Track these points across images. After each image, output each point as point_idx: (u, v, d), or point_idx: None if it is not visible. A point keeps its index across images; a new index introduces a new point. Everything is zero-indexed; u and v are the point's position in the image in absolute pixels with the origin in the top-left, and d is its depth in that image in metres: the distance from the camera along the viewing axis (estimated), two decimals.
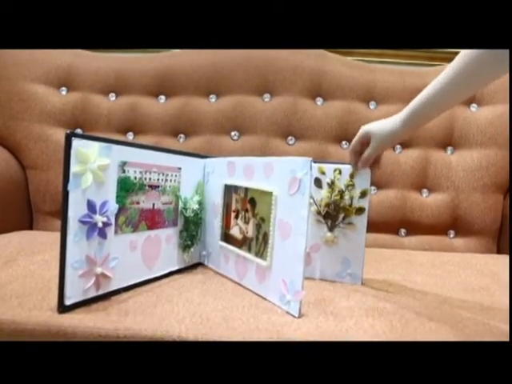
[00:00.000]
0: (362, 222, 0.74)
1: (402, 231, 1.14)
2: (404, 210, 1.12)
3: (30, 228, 1.15)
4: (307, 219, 0.58)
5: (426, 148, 1.14)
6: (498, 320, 0.57)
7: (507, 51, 0.53)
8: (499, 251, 1.11)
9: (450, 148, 1.15)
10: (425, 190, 1.14)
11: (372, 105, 1.17)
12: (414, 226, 1.13)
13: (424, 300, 0.66)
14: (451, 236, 1.13)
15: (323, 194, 0.76)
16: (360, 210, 0.74)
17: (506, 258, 1.01)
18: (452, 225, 1.12)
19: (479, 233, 1.11)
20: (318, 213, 0.77)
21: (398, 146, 1.15)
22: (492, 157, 1.11)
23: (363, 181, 0.74)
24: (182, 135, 1.19)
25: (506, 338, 0.52)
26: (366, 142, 0.72)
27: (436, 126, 1.14)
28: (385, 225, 1.12)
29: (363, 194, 0.74)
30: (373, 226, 1.10)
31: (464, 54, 0.58)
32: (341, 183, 0.75)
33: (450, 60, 1.37)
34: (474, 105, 1.15)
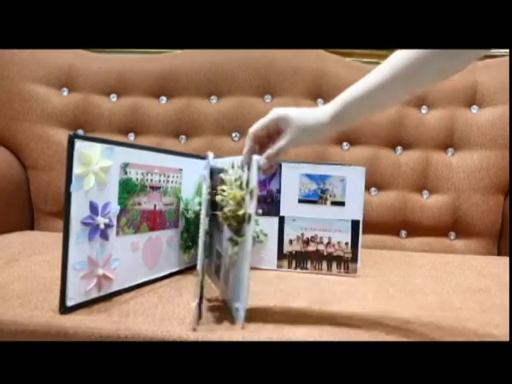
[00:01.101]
0: (249, 233, 0.53)
1: (403, 233, 1.14)
2: (404, 211, 1.12)
3: (32, 228, 1.15)
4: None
5: (426, 149, 1.14)
6: (497, 321, 0.58)
7: (454, 51, 0.49)
8: (500, 253, 1.10)
9: (450, 149, 1.15)
10: (425, 192, 1.14)
11: None
12: (415, 228, 1.13)
13: (424, 301, 0.66)
14: (452, 237, 1.13)
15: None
16: (246, 217, 0.54)
17: (507, 259, 1.01)
18: (452, 226, 1.12)
19: (480, 234, 1.11)
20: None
21: (399, 148, 1.16)
22: (492, 158, 1.11)
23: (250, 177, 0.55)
24: (183, 136, 1.19)
25: (504, 339, 0.52)
26: (275, 130, 0.56)
27: (436, 128, 1.14)
28: (385, 226, 1.12)
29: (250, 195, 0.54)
30: (373, 228, 1.10)
31: (407, 51, 0.51)
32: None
33: None
34: (474, 106, 1.15)
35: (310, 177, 0.82)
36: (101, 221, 0.59)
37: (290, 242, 0.83)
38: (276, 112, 0.56)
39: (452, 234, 1.13)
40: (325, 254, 0.82)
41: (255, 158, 0.54)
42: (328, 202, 0.82)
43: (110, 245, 0.61)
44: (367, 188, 1.13)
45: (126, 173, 0.63)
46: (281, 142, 0.55)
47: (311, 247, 0.83)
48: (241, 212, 0.53)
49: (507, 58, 1.16)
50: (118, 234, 0.63)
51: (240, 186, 0.55)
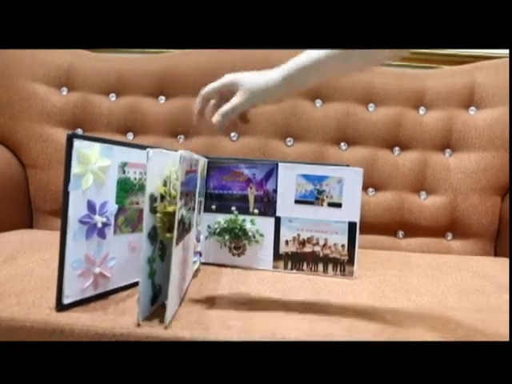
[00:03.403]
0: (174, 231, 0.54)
1: (400, 233, 1.15)
2: (402, 211, 1.13)
3: (31, 227, 1.16)
4: None
5: (424, 150, 1.15)
6: (490, 322, 0.58)
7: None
8: (496, 254, 1.11)
9: (448, 150, 1.16)
10: (423, 193, 1.15)
11: (371, 107, 1.17)
12: (412, 228, 1.13)
13: (418, 301, 0.66)
14: (449, 238, 1.13)
15: None
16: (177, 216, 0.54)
17: (503, 260, 1.02)
18: (450, 227, 1.13)
19: (477, 235, 1.12)
20: None
21: (397, 148, 1.16)
22: (490, 159, 1.12)
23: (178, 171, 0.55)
24: (182, 136, 1.19)
25: (498, 339, 0.53)
26: (227, 92, 0.61)
27: (434, 129, 1.14)
28: (383, 227, 1.13)
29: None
30: (370, 228, 1.11)
31: None
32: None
33: (447, 62, 1.38)
34: (472, 108, 1.16)
35: (307, 177, 0.81)
36: (98, 219, 0.59)
37: (286, 242, 0.83)
38: (227, 77, 0.61)
39: (449, 235, 1.13)
40: (321, 255, 0.81)
41: (181, 152, 0.53)
42: (325, 203, 0.81)
43: (107, 243, 0.61)
44: (365, 188, 1.13)
45: (124, 172, 0.64)
46: (234, 100, 0.59)
47: (307, 248, 0.82)
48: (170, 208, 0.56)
49: (505, 60, 1.16)
50: (115, 232, 0.63)
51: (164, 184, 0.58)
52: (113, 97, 1.21)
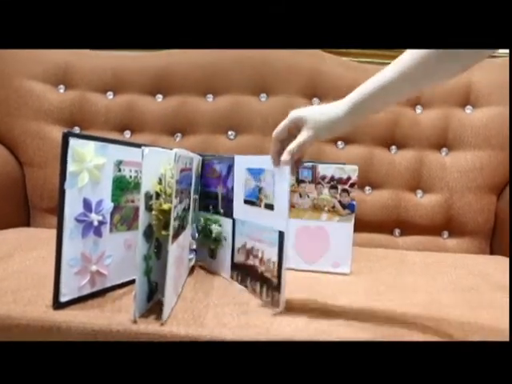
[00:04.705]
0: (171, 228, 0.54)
1: (396, 231, 1.15)
2: (398, 210, 1.13)
3: (28, 225, 1.16)
4: None
5: (420, 149, 1.15)
6: (483, 319, 0.59)
7: (460, 51, 0.52)
8: (492, 252, 1.12)
9: (444, 149, 1.16)
10: (419, 191, 1.15)
11: None
12: (408, 227, 1.14)
13: (413, 299, 0.67)
14: (445, 236, 1.14)
15: None
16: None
17: (498, 258, 1.02)
18: (446, 225, 1.13)
19: (472, 233, 1.12)
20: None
21: (394, 147, 1.16)
22: (486, 158, 1.12)
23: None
24: (179, 134, 1.19)
25: (492, 338, 0.53)
26: (294, 129, 0.58)
27: (431, 128, 1.15)
28: (379, 225, 1.13)
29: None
30: (367, 226, 1.11)
31: (413, 51, 0.54)
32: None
33: None
34: (468, 106, 1.16)
35: (252, 172, 0.67)
36: (94, 218, 0.59)
37: (238, 250, 0.71)
38: (292, 114, 0.59)
39: (445, 233, 1.14)
40: (259, 271, 0.64)
41: (175, 150, 0.55)
42: (262, 205, 0.64)
43: (103, 241, 0.62)
44: (361, 187, 1.14)
45: (119, 170, 0.64)
46: (299, 138, 0.57)
47: (250, 261, 0.67)
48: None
49: (502, 59, 1.16)
50: (111, 230, 0.63)
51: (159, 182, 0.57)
52: (110, 95, 1.21)
